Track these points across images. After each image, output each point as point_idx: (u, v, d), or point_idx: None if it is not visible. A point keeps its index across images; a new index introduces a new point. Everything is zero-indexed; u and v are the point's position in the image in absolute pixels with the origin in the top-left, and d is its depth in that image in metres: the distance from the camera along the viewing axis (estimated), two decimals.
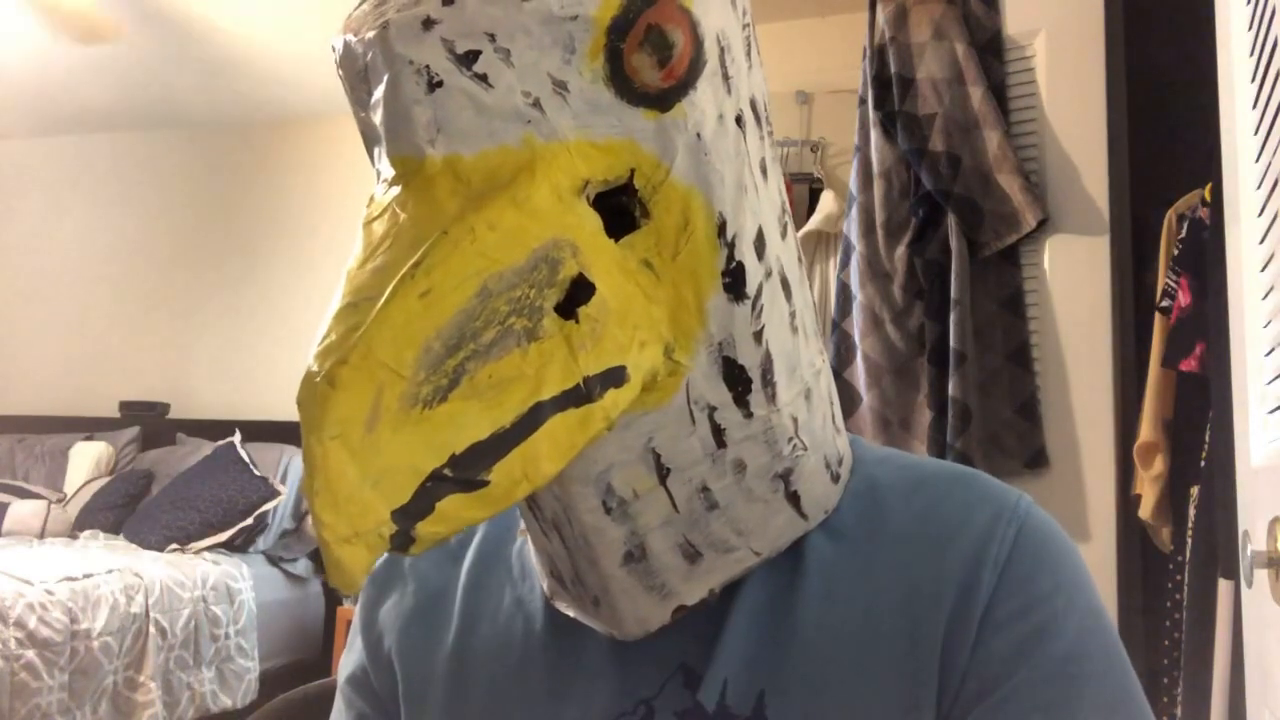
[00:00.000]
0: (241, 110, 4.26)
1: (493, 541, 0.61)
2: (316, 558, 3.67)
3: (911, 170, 2.13)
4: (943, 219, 2.08)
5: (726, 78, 0.47)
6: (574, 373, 0.42)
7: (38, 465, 4.01)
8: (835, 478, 0.54)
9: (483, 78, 0.42)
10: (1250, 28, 1.06)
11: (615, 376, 0.43)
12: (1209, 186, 1.69)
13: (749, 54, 0.50)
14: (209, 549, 3.30)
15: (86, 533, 3.53)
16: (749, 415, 0.48)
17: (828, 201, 2.73)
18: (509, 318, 0.40)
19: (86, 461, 3.89)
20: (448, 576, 0.61)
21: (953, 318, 2.01)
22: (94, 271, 4.55)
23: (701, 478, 0.48)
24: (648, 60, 0.44)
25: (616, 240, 0.45)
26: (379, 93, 0.43)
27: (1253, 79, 1.05)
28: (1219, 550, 1.57)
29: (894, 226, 2.16)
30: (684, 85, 0.45)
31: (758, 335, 0.48)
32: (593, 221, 0.44)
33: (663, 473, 0.48)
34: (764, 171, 0.50)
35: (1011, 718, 0.47)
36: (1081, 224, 2.01)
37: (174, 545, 3.29)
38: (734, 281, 0.47)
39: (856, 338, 2.18)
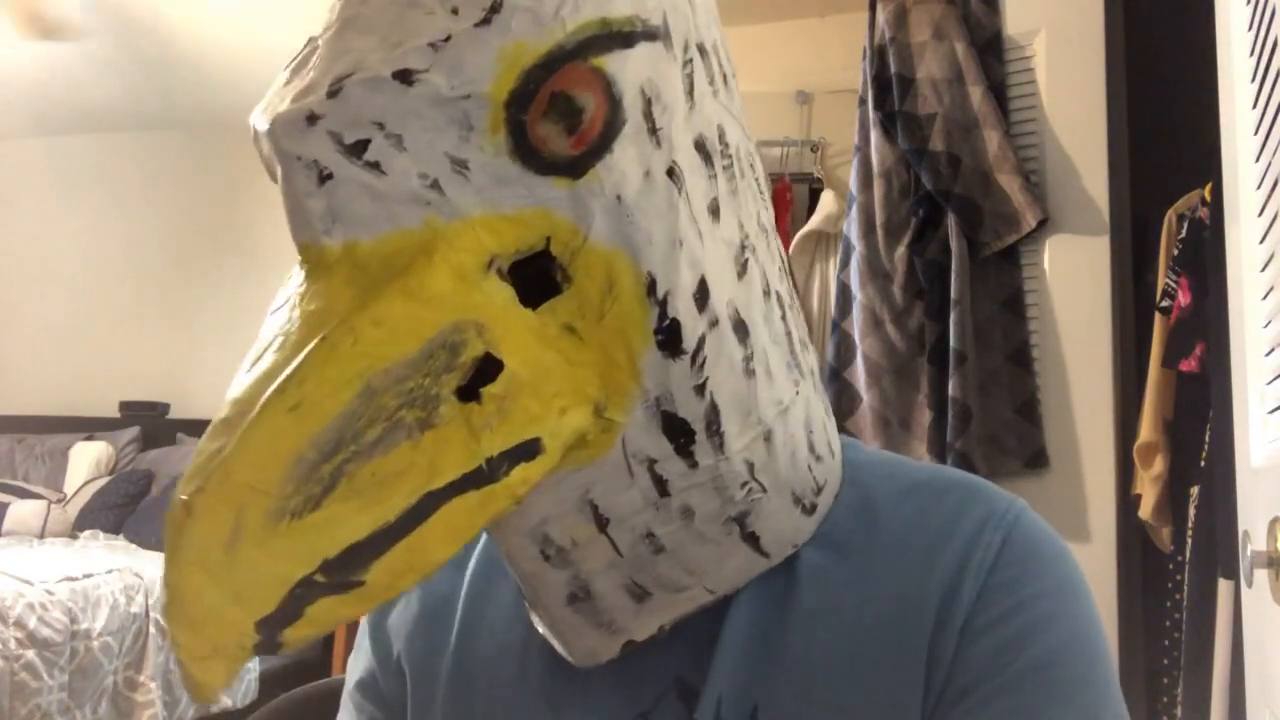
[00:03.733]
0: (241, 110, 4.24)
1: (495, 550, 0.62)
2: None
3: (911, 170, 2.13)
4: (943, 219, 2.08)
5: (654, 130, 0.44)
6: (475, 454, 0.40)
7: (38, 465, 4.01)
8: (810, 509, 0.52)
9: (375, 165, 0.41)
10: (1250, 28, 1.06)
11: (525, 450, 0.42)
12: (1209, 186, 1.69)
13: (691, 93, 0.47)
14: None
15: (86, 533, 3.53)
16: (694, 465, 0.47)
17: (828, 201, 2.73)
18: (398, 411, 0.39)
19: (86, 461, 3.89)
20: (452, 583, 0.61)
21: (953, 318, 2.01)
22: (94, 271, 4.55)
23: (645, 525, 0.47)
24: (555, 128, 0.42)
25: (535, 307, 0.43)
26: (279, 181, 0.43)
27: (1253, 79, 1.05)
28: (1219, 550, 1.57)
29: (894, 226, 2.16)
30: (598, 149, 0.42)
31: (699, 388, 0.46)
32: (502, 295, 0.42)
33: (602, 522, 0.47)
34: (714, 213, 0.47)
35: (987, 718, 0.46)
36: (1081, 224, 2.01)
37: None
38: (669, 339, 0.45)
39: (856, 338, 2.18)
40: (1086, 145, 2.02)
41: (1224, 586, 1.56)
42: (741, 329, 0.48)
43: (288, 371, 0.39)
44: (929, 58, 2.10)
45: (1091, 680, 0.47)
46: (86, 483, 3.80)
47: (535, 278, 0.44)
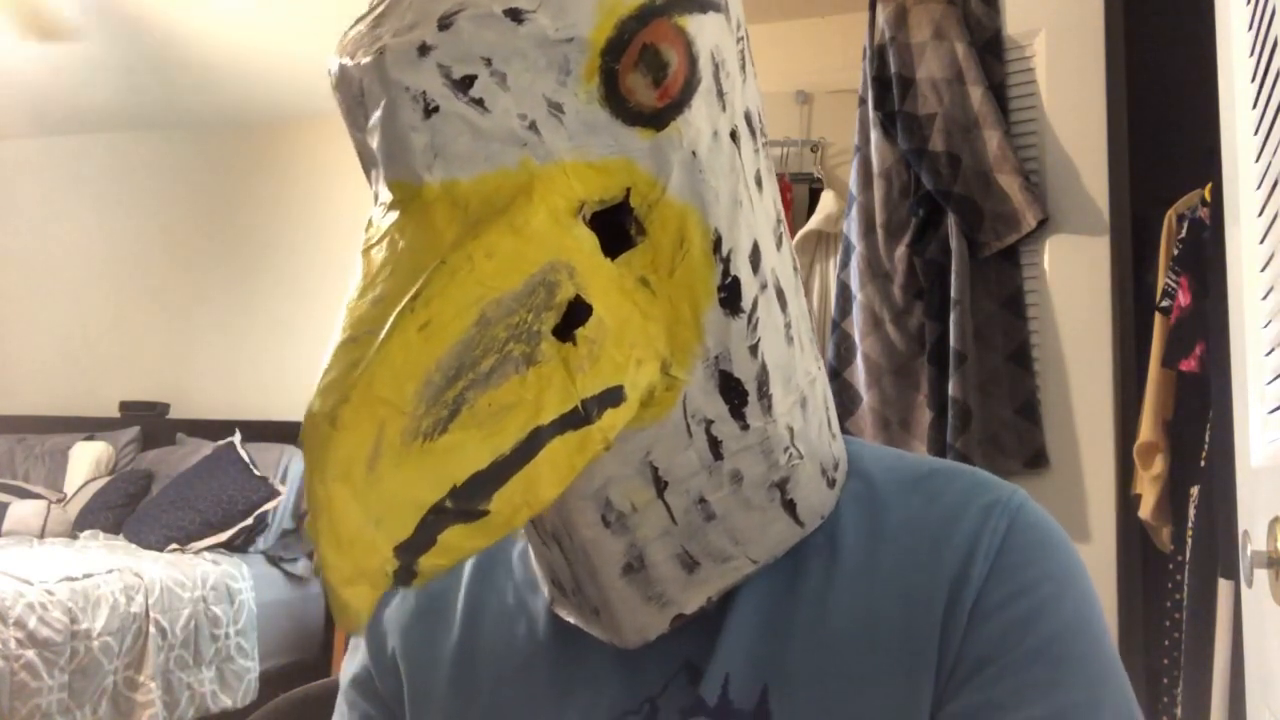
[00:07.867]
0: (241, 110, 4.26)
1: (492, 548, 0.62)
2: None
3: (911, 170, 2.13)
4: (943, 219, 2.08)
5: (721, 94, 0.47)
6: (572, 395, 0.42)
7: (38, 465, 4.01)
8: (831, 483, 0.54)
9: (479, 102, 0.42)
10: (1250, 28, 1.06)
11: (612, 397, 0.43)
12: (1209, 186, 1.69)
13: (743, 67, 0.50)
14: (209, 549, 3.30)
15: (86, 533, 3.53)
16: (745, 427, 0.49)
17: (828, 201, 2.73)
18: (507, 344, 0.40)
19: (86, 461, 3.89)
20: (449, 577, 0.62)
21: (953, 318, 2.01)
22: (94, 271, 4.55)
23: (699, 489, 0.49)
24: (642, 80, 0.44)
25: (613, 258, 0.45)
26: (375, 117, 0.43)
27: (1253, 79, 1.05)
28: (1219, 550, 1.57)
29: (894, 226, 2.16)
30: (679, 104, 0.45)
31: (753, 348, 0.48)
32: (590, 242, 0.44)
33: (660, 486, 0.48)
34: (759, 184, 0.50)
35: (998, 695, 0.48)
36: (1081, 224, 2.01)
37: (174, 545, 3.29)
38: (730, 296, 0.47)
39: (856, 338, 2.18)
40: (1086, 145, 2.02)
41: (1224, 586, 1.55)
42: (781, 297, 0.51)
43: (413, 291, 0.40)
44: (929, 58, 2.10)
45: (1094, 656, 0.49)
46: (86, 483, 3.80)
47: (607, 230, 0.45)
